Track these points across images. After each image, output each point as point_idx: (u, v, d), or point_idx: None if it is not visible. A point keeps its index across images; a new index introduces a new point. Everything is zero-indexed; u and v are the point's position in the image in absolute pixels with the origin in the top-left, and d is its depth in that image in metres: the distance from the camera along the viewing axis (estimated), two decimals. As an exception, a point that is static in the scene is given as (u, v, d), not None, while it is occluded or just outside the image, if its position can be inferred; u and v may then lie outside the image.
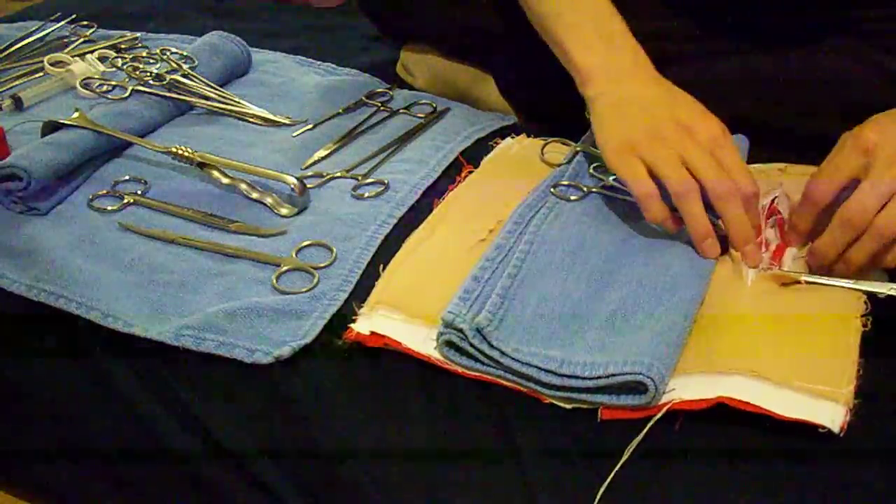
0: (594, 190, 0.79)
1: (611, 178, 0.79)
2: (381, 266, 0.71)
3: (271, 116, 0.96)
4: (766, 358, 0.59)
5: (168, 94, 0.96)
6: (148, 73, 0.98)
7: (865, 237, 0.65)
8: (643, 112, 0.72)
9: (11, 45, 1.11)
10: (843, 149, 0.67)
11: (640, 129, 0.71)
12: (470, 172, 0.85)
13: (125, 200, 0.81)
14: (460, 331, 0.60)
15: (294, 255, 0.74)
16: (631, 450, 0.55)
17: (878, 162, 0.64)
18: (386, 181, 0.83)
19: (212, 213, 0.80)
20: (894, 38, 0.82)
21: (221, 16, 1.27)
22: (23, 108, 0.97)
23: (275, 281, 0.71)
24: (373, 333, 0.64)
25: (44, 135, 0.86)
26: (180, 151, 0.83)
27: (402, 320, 0.65)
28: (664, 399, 0.57)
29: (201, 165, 0.84)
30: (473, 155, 0.88)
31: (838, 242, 0.66)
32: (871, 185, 0.64)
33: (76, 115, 0.87)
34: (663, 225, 0.70)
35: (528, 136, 0.91)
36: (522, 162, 0.86)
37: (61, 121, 0.85)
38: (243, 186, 0.82)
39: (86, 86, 0.99)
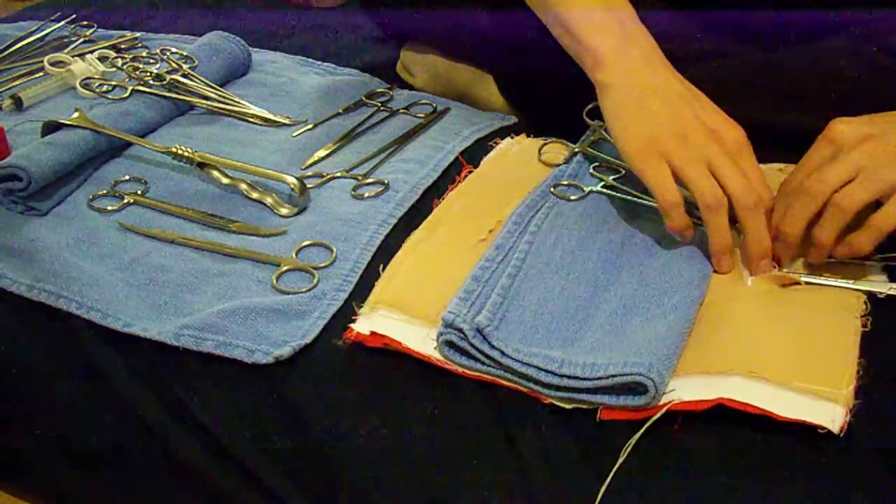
0: (594, 190, 0.79)
1: (611, 178, 0.80)
2: (381, 266, 0.71)
3: (271, 116, 0.96)
4: (765, 358, 0.59)
5: (168, 94, 0.96)
6: (148, 73, 0.99)
7: (826, 214, 0.65)
8: (666, 108, 0.70)
9: (11, 45, 1.11)
10: (815, 144, 0.68)
11: (664, 127, 0.69)
12: (470, 172, 0.85)
13: (125, 200, 0.81)
14: (460, 330, 0.60)
15: (294, 255, 0.74)
16: (629, 449, 0.55)
17: (844, 147, 0.65)
18: (386, 181, 0.83)
19: (212, 213, 0.80)
20: (893, 37, 0.82)
21: (221, 16, 1.27)
22: (23, 108, 0.97)
23: (275, 281, 0.71)
24: (373, 333, 0.64)
25: (44, 135, 0.86)
26: (180, 151, 0.83)
27: (402, 320, 0.65)
28: (664, 399, 0.57)
29: (201, 165, 0.84)
30: (473, 155, 0.88)
31: (798, 217, 0.66)
32: (833, 163, 0.65)
33: (76, 115, 0.87)
34: (682, 234, 0.69)
35: (528, 136, 0.91)
36: (522, 162, 0.86)
37: (61, 121, 0.85)
38: (243, 186, 0.82)
39: (86, 86, 0.99)
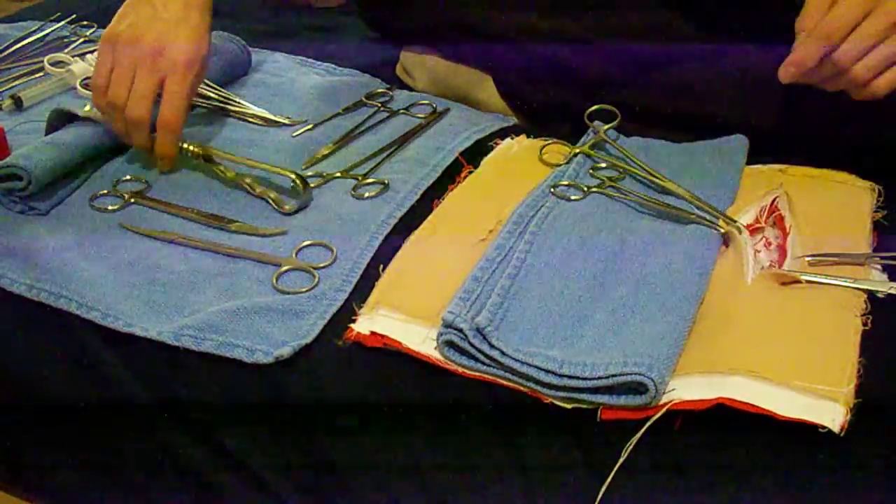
0: (594, 190, 0.79)
1: (611, 178, 0.80)
2: (381, 266, 0.71)
3: (271, 116, 0.96)
4: (766, 358, 0.59)
5: (168, 94, 0.96)
6: (148, 74, 0.98)
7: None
8: None
9: (11, 45, 1.11)
10: None
11: None
12: (470, 172, 0.85)
13: (126, 200, 0.81)
14: (460, 331, 0.60)
15: (294, 255, 0.74)
16: (629, 449, 0.55)
17: None
18: (386, 181, 0.83)
19: (212, 213, 0.80)
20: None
21: (221, 16, 1.26)
22: (23, 108, 0.97)
23: (275, 281, 0.71)
24: (373, 333, 0.64)
25: (50, 124, 0.86)
26: (189, 147, 0.84)
27: (402, 320, 0.65)
28: (664, 399, 0.57)
29: (208, 160, 0.84)
30: (473, 155, 0.88)
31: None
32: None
33: (87, 107, 0.87)
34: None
35: (528, 136, 0.91)
36: (522, 162, 0.86)
37: (75, 111, 0.85)
38: (247, 181, 0.82)
39: (86, 86, 0.99)
